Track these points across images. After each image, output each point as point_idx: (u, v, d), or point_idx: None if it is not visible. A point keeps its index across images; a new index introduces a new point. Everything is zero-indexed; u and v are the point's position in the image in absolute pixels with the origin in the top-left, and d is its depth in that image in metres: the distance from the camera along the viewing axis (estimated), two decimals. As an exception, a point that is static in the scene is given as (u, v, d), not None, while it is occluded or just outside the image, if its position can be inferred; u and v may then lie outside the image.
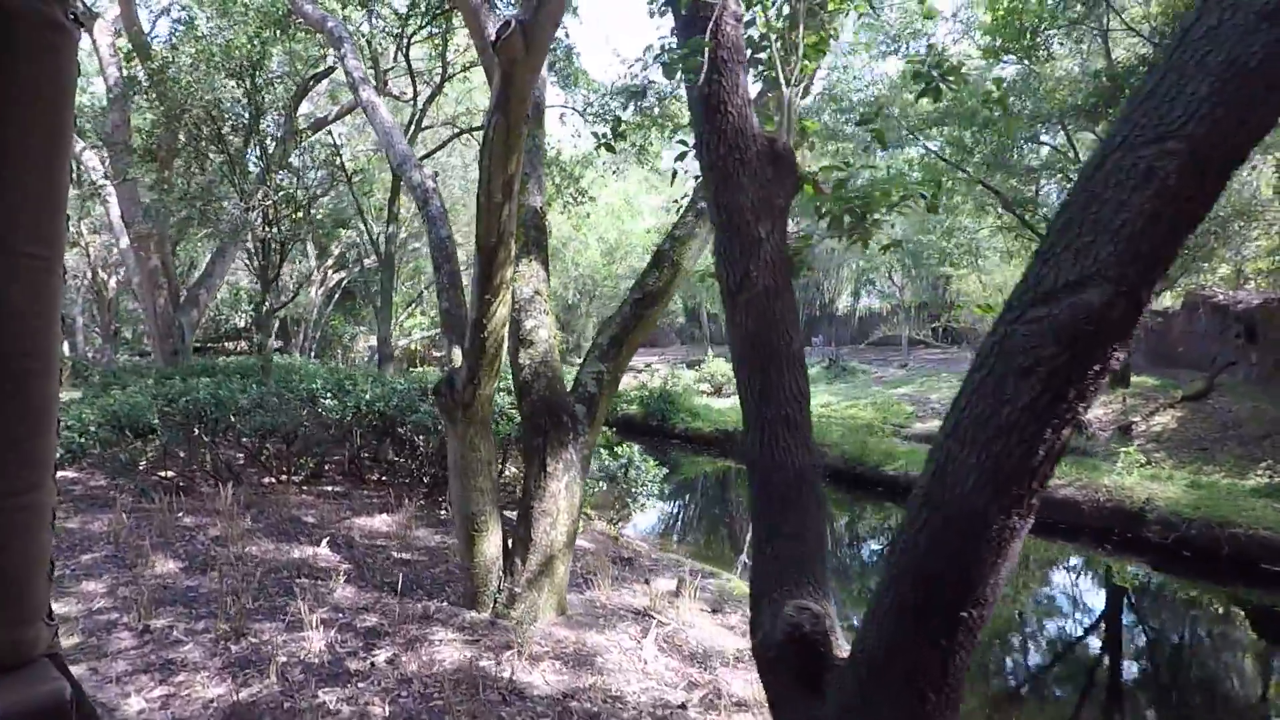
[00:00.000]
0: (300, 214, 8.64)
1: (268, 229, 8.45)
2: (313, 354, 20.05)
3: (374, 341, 26.17)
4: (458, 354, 4.98)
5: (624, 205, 17.96)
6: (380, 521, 6.61)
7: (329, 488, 7.64)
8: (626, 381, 26.95)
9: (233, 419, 6.80)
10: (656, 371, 31.79)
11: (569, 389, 4.81)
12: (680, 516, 12.38)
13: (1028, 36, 10.26)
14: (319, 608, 4.36)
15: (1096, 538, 9.11)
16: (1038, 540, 9.38)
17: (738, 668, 4.31)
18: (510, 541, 4.72)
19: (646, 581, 5.89)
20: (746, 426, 1.95)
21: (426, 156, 10.97)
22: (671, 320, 38.45)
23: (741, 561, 7.68)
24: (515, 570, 4.56)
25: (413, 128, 10.04)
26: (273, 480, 7.66)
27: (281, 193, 8.33)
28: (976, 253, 19.21)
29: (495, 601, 4.55)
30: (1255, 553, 7.71)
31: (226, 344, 22.86)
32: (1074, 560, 9.04)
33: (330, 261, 18.70)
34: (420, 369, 23.05)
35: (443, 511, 7.16)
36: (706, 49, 2.00)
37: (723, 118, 2.03)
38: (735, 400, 23.50)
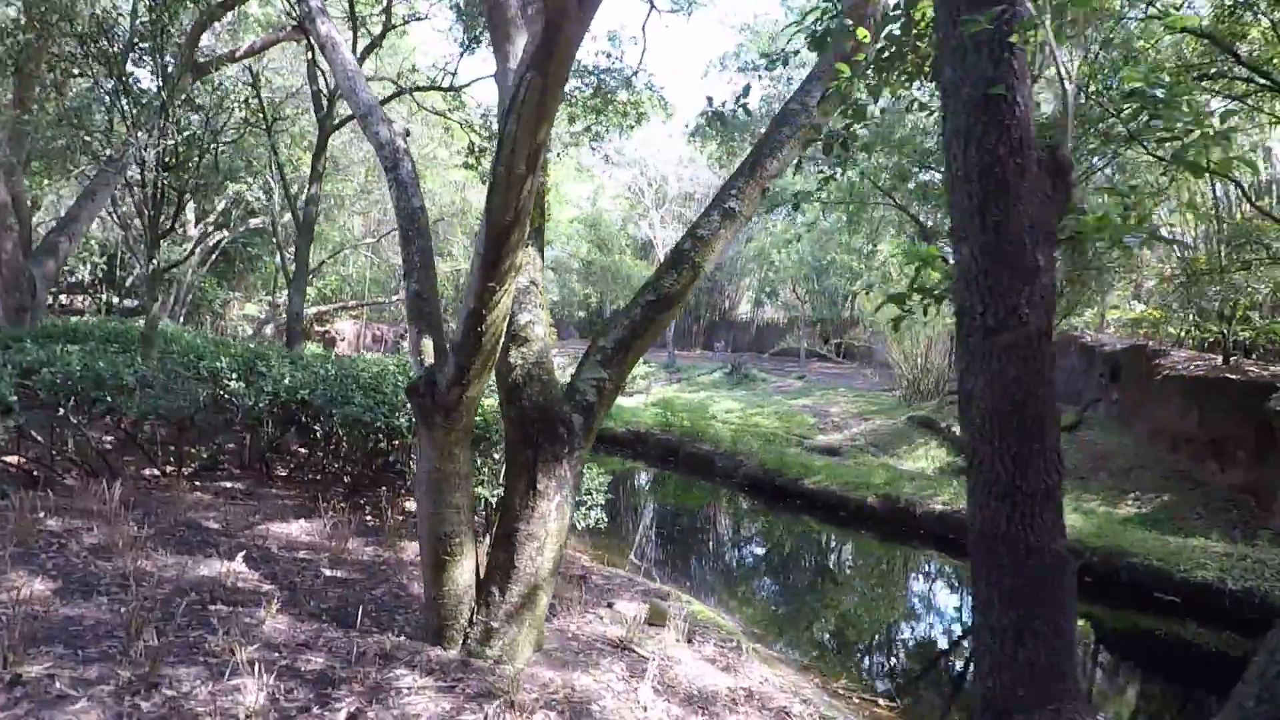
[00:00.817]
0: (201, 159, 7.38)
1: (163, 173, 7.16)
2: (182, 320, 17.86)
3: (250, 310, 23.92)
4: (428, 347, 4.29)
5: (551, 191, 17.15)
6: (298, 529, 5.72)
7: (228, 484, 6.59)
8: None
9: (109, 398, 5.65)
10: (563, 368, 31.22)
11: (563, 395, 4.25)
12: (609, 523, 11.87)
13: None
14: (247, 644, 3.57)
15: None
16: (945, 557, 9.71)
17: (739, 711, 3.95)
18: (483, 568, 4.11)
19: (610, 605, 5.41)
20: (982, 497, 1.57)
21: (347, 121, 9.83)
22: (570, 313, 37.80)
23: (705, 579, 7.35)
24: (492, 601, 3.96)
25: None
26: (157, 473, 6.51)
27: (186, 133, 7.07)
28: (888, 278, 19.95)
29: (466, 637, 3.93)
30: (1148, 582, 8.29)
31: (61, 300, 20.01)
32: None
33: (211, 218, 16.71)
34: (310, 345, 21.21)
35: (369, 518, 6.33)
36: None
37: (1009, 109, 1.63)
38: (642, 399, 23.34)
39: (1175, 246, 17.64)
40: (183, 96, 7.21)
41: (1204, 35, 10.50)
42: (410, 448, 7.44)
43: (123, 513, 5.18)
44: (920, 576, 9.67)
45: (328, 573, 4.90)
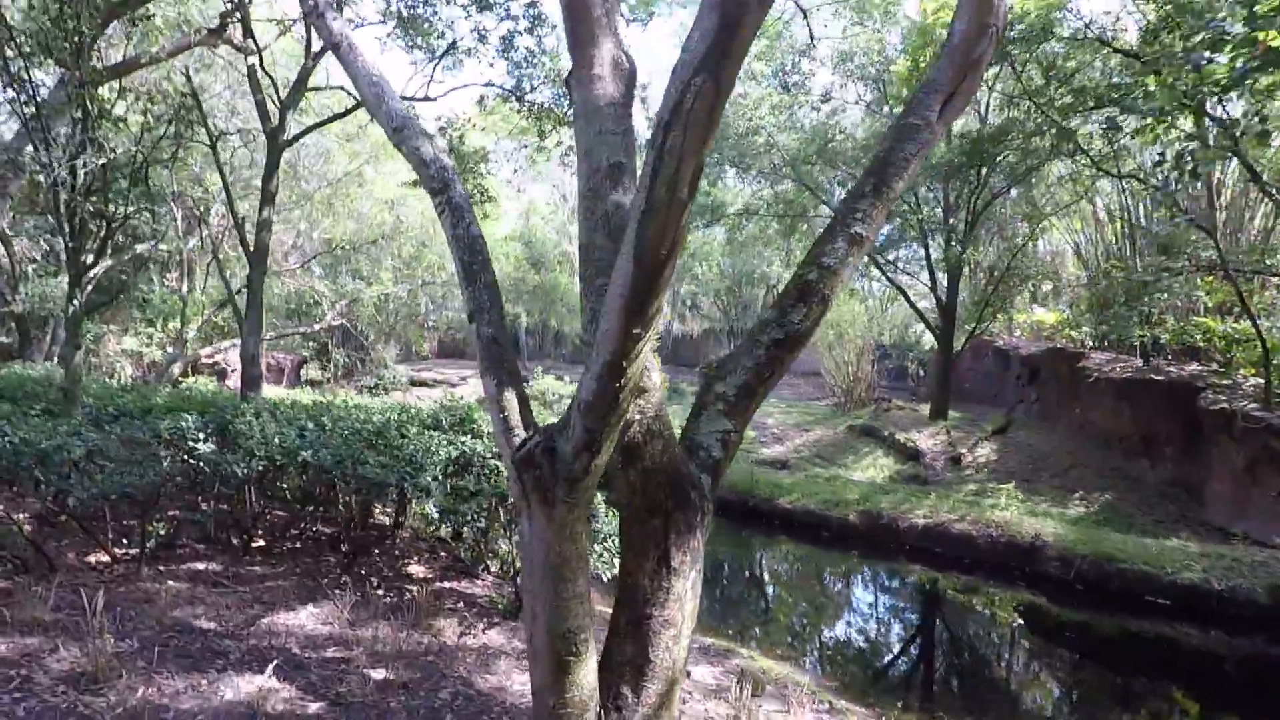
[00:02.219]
0: (134, 182, 6.18)
1: (85, 199, 5.94)
2: (57, 361, 15.54)
3: (129, 344, 21.32)
4: (511, 401, 3.63)
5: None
6: (310, 618, 4.79)
7: (199, 566, 5.50)
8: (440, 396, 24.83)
9: (54, 478, 4.51)
10: (476, 388, 29.77)
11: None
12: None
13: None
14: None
15: (992, 572, 9.66)
16: (948, 577, 9.70)
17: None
18: (604, 664, 3.47)
19: (687, 674, 4.85)
20: None
21: (308, 133, 8.67)
22: (468, 329, 36.22)
23: (729, 619, 6.84)
24: (625, 705, 3.33)
25: (297, 87, 7.79)
26: (106, 559, 5.34)
27: (113, 151, 5.86)
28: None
29: (596, 753, 3.28)
30: (1139, 586, 8.57)
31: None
32: (996, 596, 9.46)
33: (90, 244, 14.62)
34: (200, 379, 19.06)
35: (380, 592, 5.44)
36: None
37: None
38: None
39: (1082, 255, 19.01)
40: (99, 109, 6.01)
41: (1132, 55, 11.27)
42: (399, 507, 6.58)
43: (88, 620, 4.12)
44: (923, 597, 9.61)
45: (374, 675, 4.06)
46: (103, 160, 5.87)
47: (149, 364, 21.72)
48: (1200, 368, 13.97)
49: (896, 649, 7.90)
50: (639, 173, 3.07)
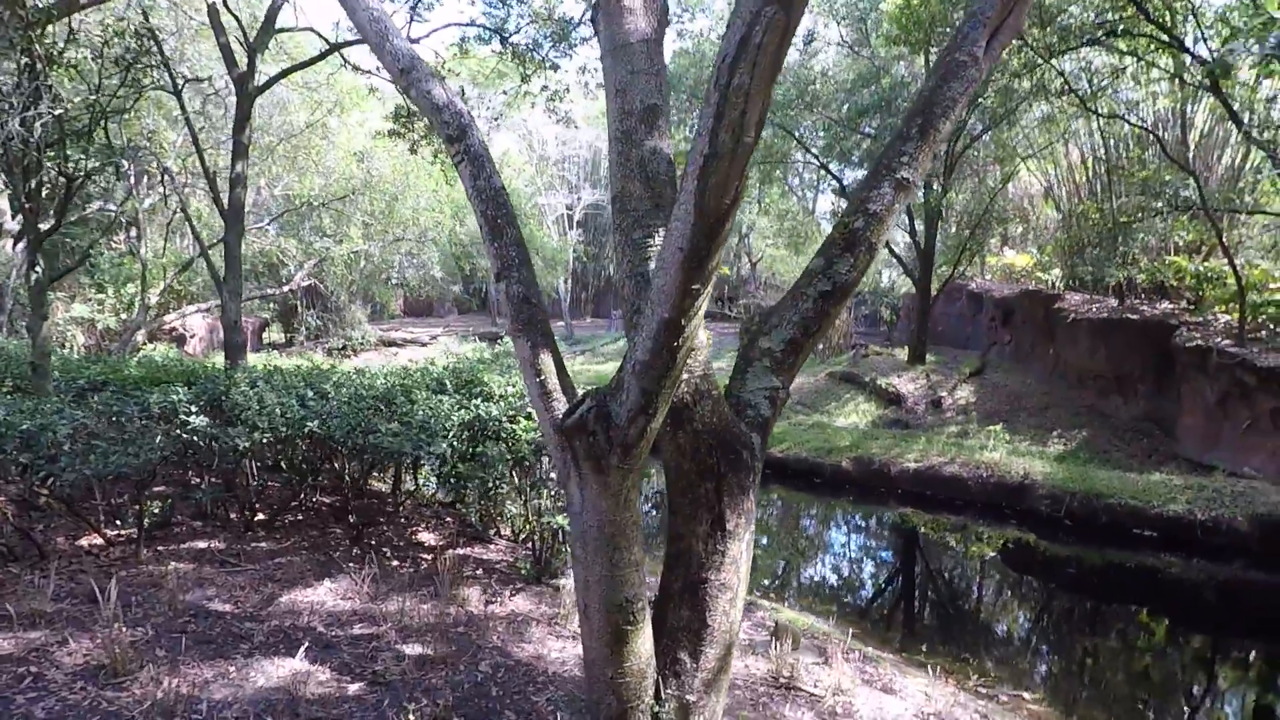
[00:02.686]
0: (93, 132, 5.62)
1: (41, 155, 5.40)
2: (4, 330, 14.68)
3: (78, 310, 20.31)
4: (547, 364, 3.42)
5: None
6: (329, 594, 4.60)
7: (200, 545, 5.24)
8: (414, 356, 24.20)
9: (43, 461, 4.19)
10: (447, 347, 29.21)
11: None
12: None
13: (923, 32, 10.58)
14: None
15: (983, 512, 9.88)
16: (941, 518, 9.88)
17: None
18: (658, 631, 3.37)
19: (719, 633, 4.80)
20: None
21: (281, 77, 7.97)
22: (442, 288, 35.53)
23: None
24: (683, 670, 3.25)
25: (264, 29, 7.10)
26: (100, 543, 5.06)
27: (63, 108, 5.29)
28: (802, 235, 20.20)
29: (656, 717, 3.21)
30: (1127, 520, 8.84)
31: None
32: (1003, 539, 9.67)
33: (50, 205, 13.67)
34: (152, 347, 18.30)
35: (397, 563, 5.26)
36: None
37: None
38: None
39: (1053, 197, 19.15)
40: (47, 54, 5.42)
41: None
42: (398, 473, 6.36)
43: (97, 608, 3.89)
44: (925, 539, 9.79)
45: (408, 650, 3.92)
46: (59, 111, 5.33)
47: (102, 331, 20.78)
48: (1171, 306, 14.30)
49: (905, 592, 8.05)
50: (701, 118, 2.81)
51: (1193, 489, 8.91)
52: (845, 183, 16.10)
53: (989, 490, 10.04)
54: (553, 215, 28.23)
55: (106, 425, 4.63)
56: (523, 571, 5.10)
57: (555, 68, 8.38)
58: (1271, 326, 11.65)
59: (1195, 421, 12.04)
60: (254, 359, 23.50)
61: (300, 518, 6.09)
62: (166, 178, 7.10)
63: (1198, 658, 6.54)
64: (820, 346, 22.29)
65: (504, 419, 5.01)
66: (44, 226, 6.12)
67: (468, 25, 8.10)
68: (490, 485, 4.67)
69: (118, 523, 5.29)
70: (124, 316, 20.34)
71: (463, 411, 5.03)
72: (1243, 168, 15.19)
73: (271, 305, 25.34)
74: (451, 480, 5.12)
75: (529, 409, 5.15)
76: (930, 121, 3.67)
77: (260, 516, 5.77)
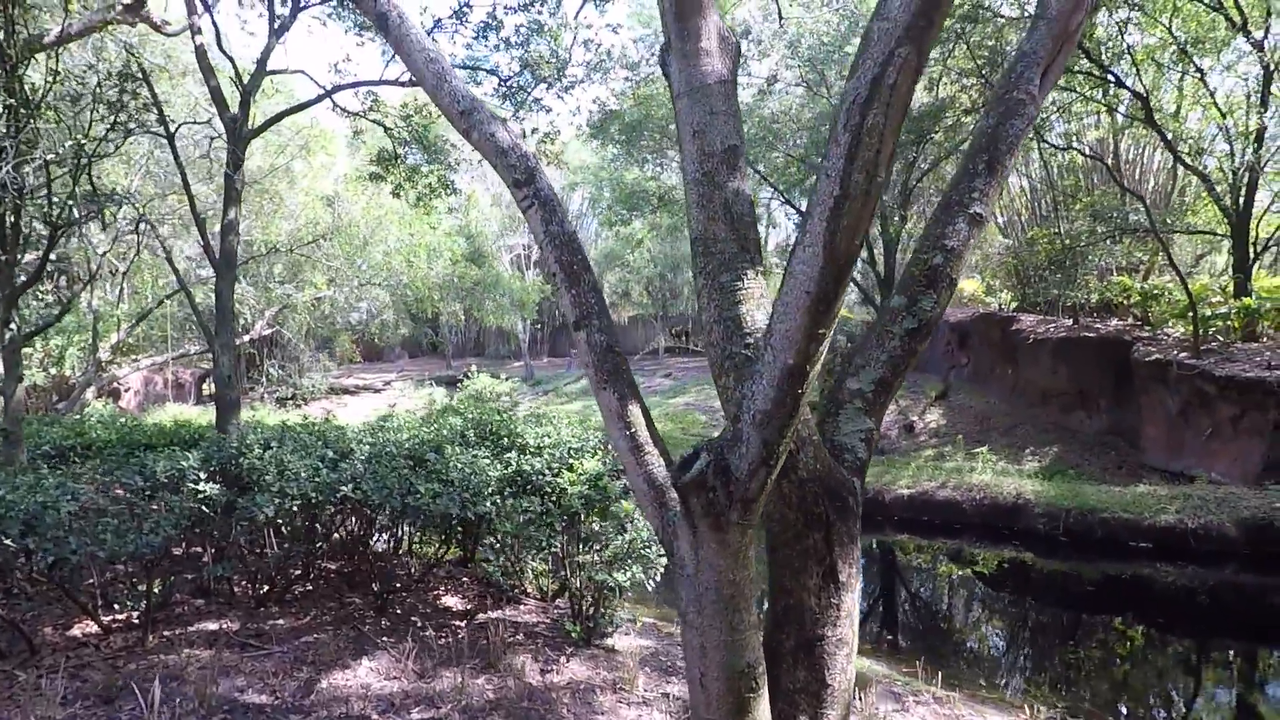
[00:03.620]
0: (78, 179, 5.17)
1: (20, 201, 4.94)
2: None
3: None
4: (637, 416, 3.26)
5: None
6: (371, 674, 4.23)
7: (211, 626, 4.78)
8: (368, 405, 23.11)
9: (51, 545, 3.73)
10: (402, 392, 28.27)
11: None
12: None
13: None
14: None
15: (980, 534, 10.01)
16: (943, 543, 9.94)
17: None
18: (773, 694, 3.19)
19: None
20: None
21: (275, 121, 7.57)
22: (390, 331, 34.66)
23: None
24: (805, 737, 3.06)
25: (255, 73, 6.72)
26: (96, 631, 4.55)
27: (55, 153, 4.87)
28: (767, 268, 20.46)
29: (781, 793, 3.01)
30: (1122, 533, 9.08)
31: None
32: (998, 560, 9.76)
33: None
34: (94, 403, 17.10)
35: (432, 633, 4.90)
36: None
37: None
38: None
39: (999, 225, 20.04)
40: (28, 97, 5.01)
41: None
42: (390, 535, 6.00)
43: (114, 708, 3.47)
44: (933, 565, 9.81)
45: (480, 735, 3.61)
46: (50, 156, 4.92)
47: (28, 388, 19.37)
48: (1121, 323, 15.04)
49: (936, 622, 7.99)
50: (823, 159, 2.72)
51: (1179, 498, 9.23)
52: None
53: (984, 512, 10.18)
54: (509, 256, 28.00)
55: (107, 498, 4.19)
56: (573, 634, 4.82)
57: (548, 110, 8.32)
58: (1220, 339, 12.33)
59: (1158, 431, 12.56)
60: (193, 410, 22.27)
61: (310, 588, 5.65)
62: (145, 225, 6.62)
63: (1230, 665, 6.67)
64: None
65: (546, 472, 4.76)
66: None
67: (466, 67, 7.95)
68: (544, 543, 4.40)
69: (115, 607, 4.78)
70: (52, 371, 19.04)
71: (500, 466, 4.76)
72: (1171, 192, 16.27)
73: (192, 358, 24.11)
74: (524, 543, 4.78)
75: (569, 461, 4.92)
76: (997, 158, 3.71)
77: (266, 589, 5.32)
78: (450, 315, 24.27)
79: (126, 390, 24.99)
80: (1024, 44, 3.96)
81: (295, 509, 4.34)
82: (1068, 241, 14.26)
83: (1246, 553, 8.47)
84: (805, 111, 14.24)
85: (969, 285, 21.22)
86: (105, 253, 6.54)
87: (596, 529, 4.61)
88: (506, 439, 5.45)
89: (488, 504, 4.45)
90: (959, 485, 10.59)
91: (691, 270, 3.53)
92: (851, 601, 3.20)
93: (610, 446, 3.39)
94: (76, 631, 4.57)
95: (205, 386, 29.46)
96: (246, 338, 16.63)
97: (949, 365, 19.98)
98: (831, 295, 2.66)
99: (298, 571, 5.62)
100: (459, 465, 4.70)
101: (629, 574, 4.53)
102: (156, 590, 4.94)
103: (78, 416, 9.86)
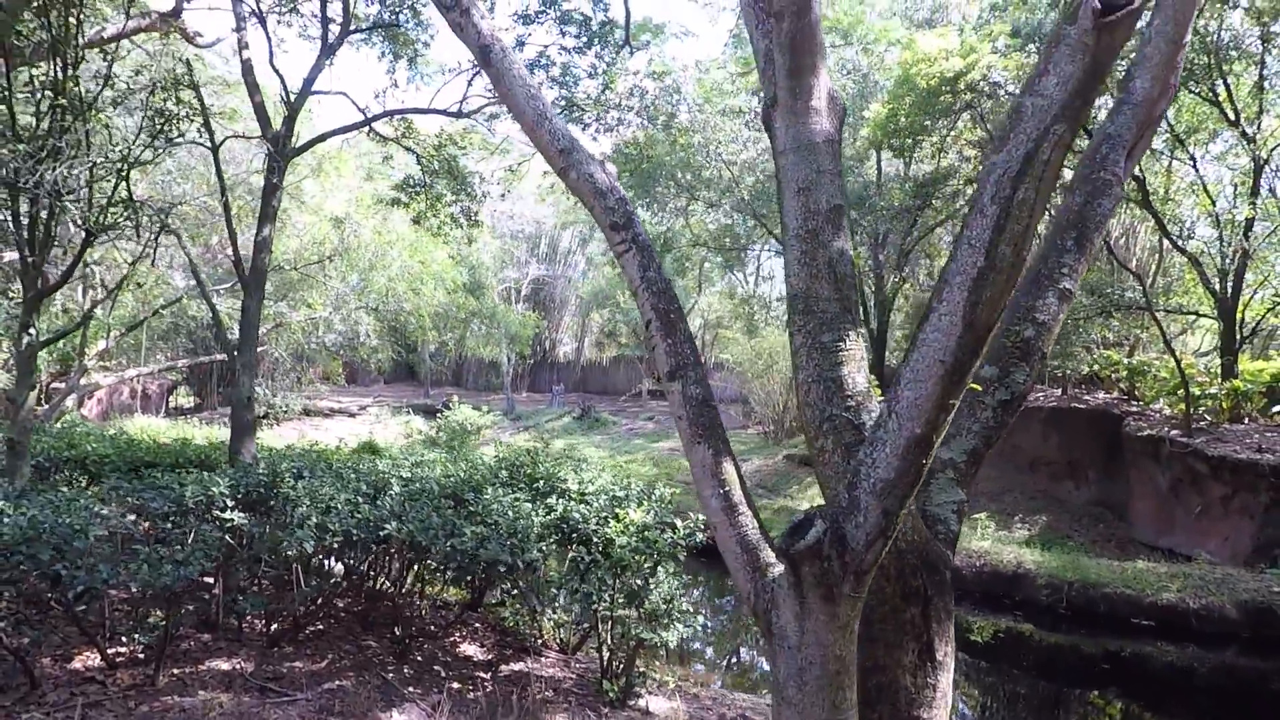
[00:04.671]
0: (118, 185, 4.97)
1: (55, 204, 4.72)
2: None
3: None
4: (732, 475, 3.16)
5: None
6: (409, 727, 3.97)
7: (221, 664, 4.47)
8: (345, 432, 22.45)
9: (81, 572, 3.45)
10: (378, 418, 27.62)
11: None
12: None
13: (903, 138, 11.28)
14: None
15: (980, 602, 9.94)
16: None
17: None
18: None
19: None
20: None
21: (317, 141, 7.42)
22: (379, 356, 34.12)
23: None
24: (899, 826, 2.90)
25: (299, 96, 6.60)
26: (99, 663, 4.22)
27: (105, 155, 4.69)
28: (751, 319, 20.65)
29: None
30: (1124, 609, 9.09)
31: None
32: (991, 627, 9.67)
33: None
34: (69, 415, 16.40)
35: (459, 684, 4.63)
36: None
37: None
38: (493, 451, 21.54)
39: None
40: (81, 100, 4.84)
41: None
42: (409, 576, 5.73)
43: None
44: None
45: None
46: (97, 160, 4.72)
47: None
48: (1108, 396, 15.37)
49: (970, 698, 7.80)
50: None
51: (1179, 577, 9.28)
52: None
53: (984, 580, 10.14)
54: (500, 288, 27.88)
55: (132, 523, 3.91)
56: (609, 694, 4.59)
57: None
58: (1209, 418, 12.63)
59: (1147, 506, 12.72)
60: (161, 424, 21.45)
61: (320, 627, 5.35)
62: (173, 237, 6.39)
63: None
64: (771, 428, 22.56)
65: (594, 520, 4.58)
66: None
67: (493, 102, 7.95)
68: (593, 598, 4.20)
69: (123, 640, 4.45)
70: (15, 374, 18.26)
71: (544, 511, 4.58)
72: (1154, 271, 16.86)
73: (180, 370, 23.42)
74: (571, 596, 4.55)
75: (614, 510, 4.75)
76: (1085, 235, 3.75)
77: (276, 626, 5.01)
78: (439, 344, 23.86)
79: (89, 398, 24.09)
80: (1107, 126, 4.05)
81: (336, 545, 4.11)
82: (1074, 315, 14.65)
83: (1247, 636, 8.51)
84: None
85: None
86: (134, 262, 6.29)
87: (640, 584, 4.43)
88: (542, 481, 5.27)
89: (535, 551, 4.25)
90: (958, 550, 10.55)
91: (789, 327, 3.45)
92: (947, 682, 3.08)
93: (700, 506, 3.25)
94: (78, 664, 4.23)
95: (172, 399, 28.56)
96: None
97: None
98: (966, 366, 2.62)
99: (303, 608, 5.32)
100: (499, 508, 4.51)
101: (674, 633, 4.35)
102: (162, 625, 4.63)
103: (59, 426, 9.39)
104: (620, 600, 4.39)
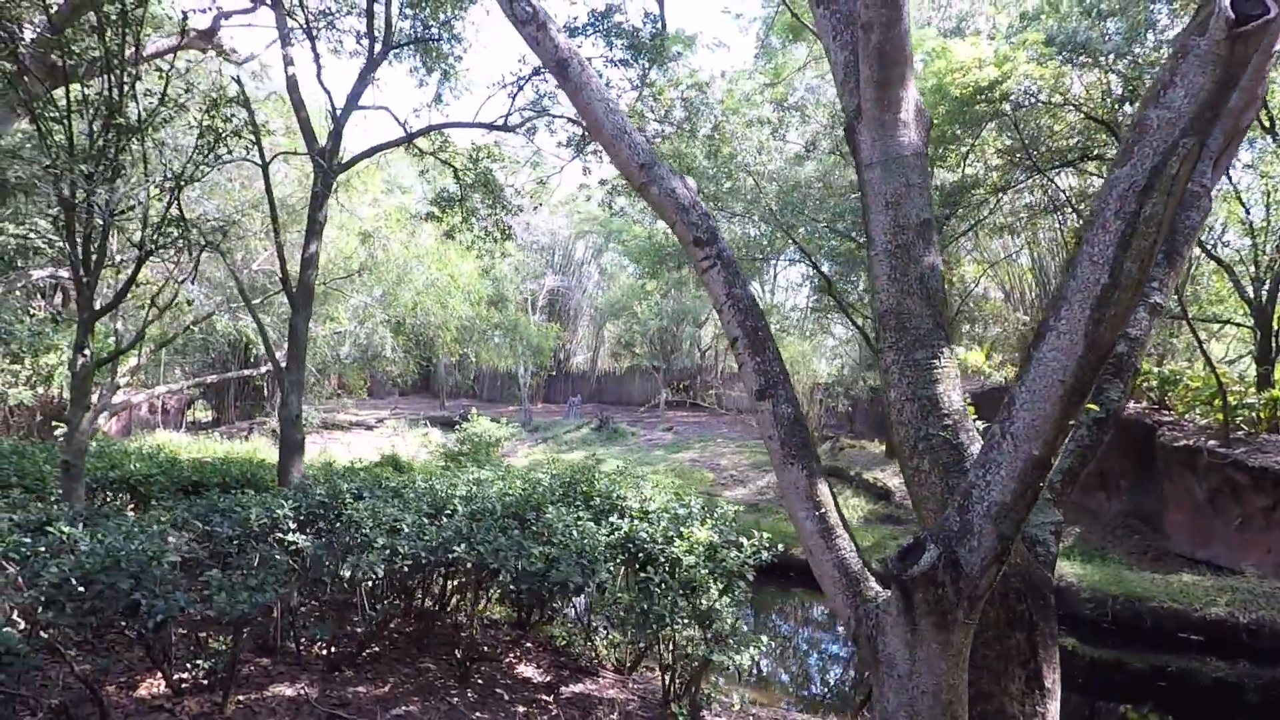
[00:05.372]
0: (172, 204, 4.95)
1: (109, 223, 4.71)
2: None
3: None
4: (826, 496, 3.09)
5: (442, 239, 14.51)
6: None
7: (285, 689, 4.40)
8: (368, 447, 22.39)
9: (152, 601, 3.40)
10: (396, 430, 27.62)
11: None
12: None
13: (934, 147, 11.21)
14: None
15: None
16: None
17: None
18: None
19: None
20: None
21: (363, 158, 7.40)
22: (390, 367, 34.20)
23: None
24: None
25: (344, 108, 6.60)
26: (164, 690, 4.16)
27: (152, 179, 4.69)
28: (784, 330, 20.58)
29: None
30: (1171, 624, 8.91)
31: None
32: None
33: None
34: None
35: (524, 708, 4.55)
36: None
37: None
38: (520, 462, 21.52)
39: (1011, 300, 20.41)
40: (139, 118, 4.84)
41: (1102, 123, 12.20)
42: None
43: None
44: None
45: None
46: (156, 179, 4.73)
47: (13, 407, 18.83)
48: (1139, 406, 15.18)
49: None
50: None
51: (1226, 591, 9.10)
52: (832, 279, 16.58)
53: (1024, 593, 9.97)
54: (517, 300, 27.91)
55: (201, 547, 3.86)
56: (679, 717, 4.49)
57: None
58: (1246, 428, 12.43)
59: (1183, 518, 12.50)
60: (183, 439, 21.50)
61: (376, 649, 5.28)
62: (216, 253, 6.36)
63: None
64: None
65: (660, 539, 4.50)
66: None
67: (552, 116, 7.95)
68: (666, 619, 4.11)
69: (186, 665, 4.39)
70: (39, 390, 18.41)
71: (609, 530, 4.50)
72: (1185, 280, 16.70)
73: (200, 385, 23.48)
74: (641, 619, 4.45)
75: (680, 528, 4.67)
76: (1175, 248, 3.69)
77: (333, 649, 4.94)
78: (459, 357, 23.84)
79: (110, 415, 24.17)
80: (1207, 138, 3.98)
81: (406, 569, 4.04)
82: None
83: (1301, 652, 8.32)
84: (839, 179, 14.50)
85: (971, 356, 21.47)
86: (184, 280, 6.27)
87: (708, 605, 4.34)
88: (599, 499, 5.20)
89: (604, 572, 4.18)
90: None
91: (878, 343, 3.37)
92: (1055, 711, 2.99)
93: (797, 532, 3.17)
94: (144, 691, 4.17)
95: (189, 414, 28.63)
96: (264, 369, 16.22)
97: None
98: (1087, 386, 2.55)
99: (371, 631, 5.26)
100: (563, 527, 4.44)
101: (747, 655, 4.26)
102: (224, 649, 4.57)
103: (94, 445, 9.40)
104: (688, 621, 4.30)
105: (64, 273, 15.81)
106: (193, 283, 8.28)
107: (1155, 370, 14.61)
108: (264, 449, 18.65)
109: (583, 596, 3.98)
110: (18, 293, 16.09)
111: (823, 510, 3.07)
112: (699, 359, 31.52)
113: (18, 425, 19.10)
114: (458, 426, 25.58)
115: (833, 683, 8.50)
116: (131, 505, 6.00)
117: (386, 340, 16.22)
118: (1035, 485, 2.61)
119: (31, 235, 11.51)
